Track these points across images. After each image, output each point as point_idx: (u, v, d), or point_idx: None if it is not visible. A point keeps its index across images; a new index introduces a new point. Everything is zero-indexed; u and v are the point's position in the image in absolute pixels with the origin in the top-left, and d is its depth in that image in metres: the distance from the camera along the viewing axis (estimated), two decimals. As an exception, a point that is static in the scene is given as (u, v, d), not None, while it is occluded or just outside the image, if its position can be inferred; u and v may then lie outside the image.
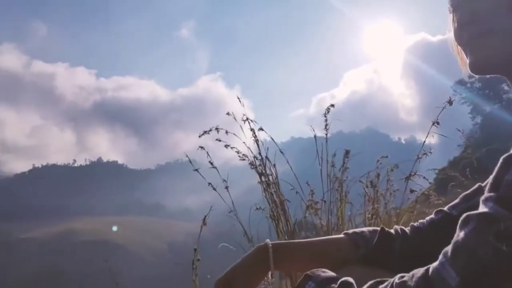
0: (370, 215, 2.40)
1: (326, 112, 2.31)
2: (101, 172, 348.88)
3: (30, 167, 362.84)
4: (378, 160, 2.66)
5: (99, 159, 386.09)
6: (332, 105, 2.31)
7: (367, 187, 2.50)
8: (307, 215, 2.44)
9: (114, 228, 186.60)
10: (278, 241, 1.04)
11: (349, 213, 2.49)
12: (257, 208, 2.38)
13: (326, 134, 2.34)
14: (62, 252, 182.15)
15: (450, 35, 0.88)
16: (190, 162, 2.15)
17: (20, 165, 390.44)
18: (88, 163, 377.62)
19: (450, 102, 2.06)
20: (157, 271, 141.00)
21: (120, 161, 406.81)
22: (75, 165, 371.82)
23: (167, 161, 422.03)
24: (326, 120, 2.31)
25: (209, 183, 2.13)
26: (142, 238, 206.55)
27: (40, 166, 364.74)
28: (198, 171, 2.09)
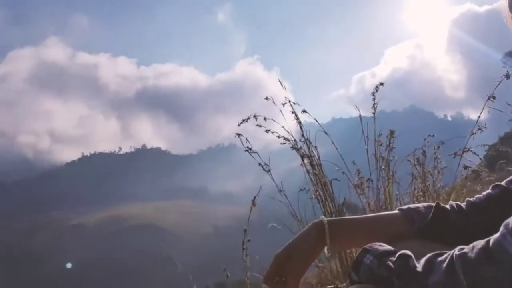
0: (421, 193, 2.37)
1: (375, 90, 2.27)
2: (145, 158, 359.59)
3: (79, 156, 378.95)
4: (425, 139, 2.61)
5: (143, 146, 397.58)
6: (381, 84, 2.26)
7: (414, 165, 2.47)
8: (353, 195, 2.44)
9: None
10: (333, 218, 1.07)
11: (397, 192, 2.47)
12: (301, 189, 2.39)
13: (374, 114, 2.31)
14: (111, 237, 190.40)
15: (502, 3, 0.85)
16: (247, 138, 2.18)
17: (70, 154, 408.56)
18: (133, 150, 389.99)
19: (507, 76, 1.97)
20: (203, 254, 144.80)
21: (163, 148, 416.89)
22: (121, 152, 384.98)
23: (208, 146, 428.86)
24: (374, 99, 2.28)
25: (259, 163, 2.15)
26: (187, 222, 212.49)
27: (88, 154, 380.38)
28: (249, 152, 2.11)
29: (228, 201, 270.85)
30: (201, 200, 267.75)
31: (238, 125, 2.17)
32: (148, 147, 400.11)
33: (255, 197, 2.42)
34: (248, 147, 2.12)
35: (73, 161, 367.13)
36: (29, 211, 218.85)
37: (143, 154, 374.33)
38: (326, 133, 2.29)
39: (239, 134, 2.14)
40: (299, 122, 2.25)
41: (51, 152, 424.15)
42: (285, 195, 2.28)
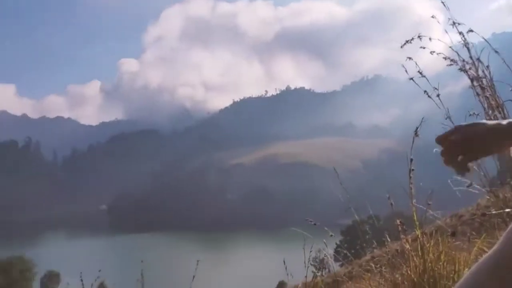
0: None
1: None
2: (291, 99, 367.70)
3: (231, 102, 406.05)
4: None
5: (288, 87, 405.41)
6: None
7: None
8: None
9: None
10: None
11: None
12: (470, 114, 2.29)
13: None
14: (267, 174, 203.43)
15: None
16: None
17: (222, 101, 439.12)
18: (278, 92, 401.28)
19: None
20: (354, 188, 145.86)
21: (306, 87, 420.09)
22: (267, 95, 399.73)
23: (352, 81, 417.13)
24: None
25: (425, 91, 2.10)
26: (336, 157, 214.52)
27: (238, 100, 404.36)
28: (413, 80, 2.07)
29: (376, 134, 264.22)
30: (347, 135, 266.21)
31: (401, 47, 2.10)
32: (292, 87, 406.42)
33: (417, 128, 2.40)
34: (419, 71, 2.05)
35: (226, 108, 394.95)
36: (196, 154, 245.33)
37: (288, 95, 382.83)
38: (496, 51, 2.11)
39: (410, 58, 2.08)
40: (466, 43, 2.10)
41: (206, 101, 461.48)
42: (451, 121, 2.20)
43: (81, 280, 3.55)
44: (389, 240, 3.26)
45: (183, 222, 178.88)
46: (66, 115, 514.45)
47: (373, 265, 3.23)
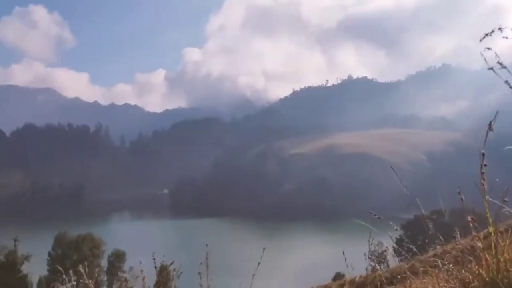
0: None
1: None
2: (352, 89, 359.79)
3: (291, 91, 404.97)
4: None
5: (349, 77, 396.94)
6: None
7: None
8: None
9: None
10: None
11: None
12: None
13: None
14: (327, 164, 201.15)
15: None
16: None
17: (282, 90, 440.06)
18: (339, 81, 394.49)
19: None
20: (416, 180, 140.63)
21: (369, 76, 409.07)
22: (328, 85, 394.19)
23: (418, 70, 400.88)
24: None
25: (506, 81, 1.96)
26: (399, 149, 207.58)
27: (298, 89, 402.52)
28: (501, 66, 1.94)
29: (442, 126, 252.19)
30: (413, 127, 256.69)
31: (480, 41, 1.98)
32: (354, 77, 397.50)
33: (491, 122, 2.27)
34: (498, 62, 1.92)
35: (286, 97, 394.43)
36: (255, 143, 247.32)
37: (350, 85, 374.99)
38: None
39: (488, 48, 1.95)
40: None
41: (266, 90, 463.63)
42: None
43: (153, 259, 3.74)
44: (458, 236, 3.13)
45: (241, 209, 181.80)
46: (133, 102, 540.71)
47: (439, 262, 3.13)
